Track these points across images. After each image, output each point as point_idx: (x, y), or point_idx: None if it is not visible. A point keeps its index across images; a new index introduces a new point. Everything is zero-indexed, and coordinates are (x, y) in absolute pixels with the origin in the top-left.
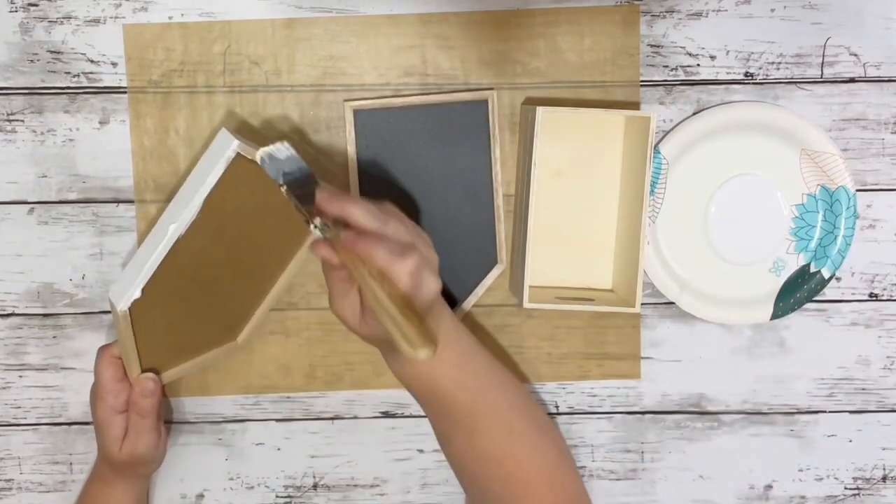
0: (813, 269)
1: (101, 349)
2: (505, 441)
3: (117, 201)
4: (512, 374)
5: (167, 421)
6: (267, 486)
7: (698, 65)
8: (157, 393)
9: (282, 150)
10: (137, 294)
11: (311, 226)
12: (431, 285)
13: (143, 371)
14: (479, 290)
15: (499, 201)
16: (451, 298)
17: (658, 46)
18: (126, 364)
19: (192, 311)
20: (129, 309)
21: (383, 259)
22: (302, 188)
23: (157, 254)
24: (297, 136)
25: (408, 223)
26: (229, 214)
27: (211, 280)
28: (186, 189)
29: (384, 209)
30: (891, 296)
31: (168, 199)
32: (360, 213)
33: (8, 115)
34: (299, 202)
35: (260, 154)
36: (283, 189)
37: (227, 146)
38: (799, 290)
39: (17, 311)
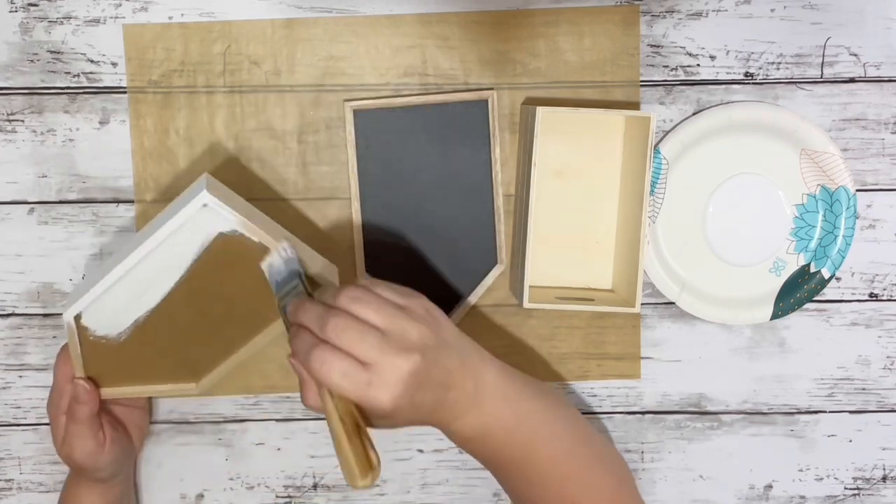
0: (813, 269)
1: (63, 347)
2: (561, 488)
3: (117, 201)
4: (566, 404)
5: (169, 421)
6: (267, 487)
7: (698, 65)
8: (92, 402)
9: (280, 256)
10: (81, 309)
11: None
12: (386, 377)
13: (88, 378)
14: (479, 290)
15: (499, 201)
16: (452, 298)
17: (658, 46)
18: (74, 367)
19: (147, 340)
20: (76, 319)
21: (304, 364)
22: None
23: (109, 278)
24: (297, 138)
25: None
26: (197, 267)
27: (170, 317)
28: (155, 224)
29: (340, 303)
30: (891, 296)
31: (168, 200)
32: (306, 317)
33: (8, 115)
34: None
35: (262, 265)
36: (279, 304)
37: (198, 195)
38: (799, 290)
39: (17, 311)
